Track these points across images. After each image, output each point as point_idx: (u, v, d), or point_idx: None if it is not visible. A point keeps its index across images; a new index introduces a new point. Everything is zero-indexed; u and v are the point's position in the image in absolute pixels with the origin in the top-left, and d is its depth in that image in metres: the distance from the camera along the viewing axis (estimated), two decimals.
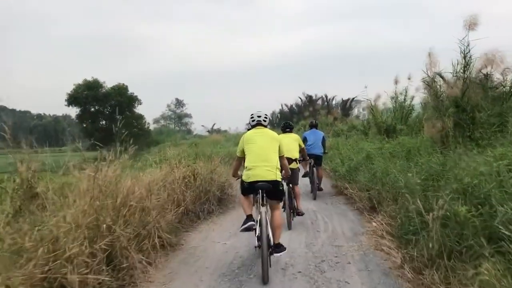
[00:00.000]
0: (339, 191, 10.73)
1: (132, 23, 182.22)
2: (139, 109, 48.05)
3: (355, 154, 12.13)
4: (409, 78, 14.58)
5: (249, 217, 4.95)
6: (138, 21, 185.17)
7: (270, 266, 4.69)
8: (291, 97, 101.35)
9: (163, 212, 6.22)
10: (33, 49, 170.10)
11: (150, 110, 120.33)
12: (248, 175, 5.01)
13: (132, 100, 46.57)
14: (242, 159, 5.43)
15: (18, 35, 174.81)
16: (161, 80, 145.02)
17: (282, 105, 53.39)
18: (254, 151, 5.12)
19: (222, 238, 6.67)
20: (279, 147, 5.26)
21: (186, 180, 8.09)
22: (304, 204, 8.62)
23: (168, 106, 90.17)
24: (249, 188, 5.06)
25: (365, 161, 10.30)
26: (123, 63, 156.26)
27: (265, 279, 4.56)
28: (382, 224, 6.49)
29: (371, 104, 15.65)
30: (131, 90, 47.44)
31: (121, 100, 44.64)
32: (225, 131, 61.29)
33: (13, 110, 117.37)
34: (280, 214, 5.32)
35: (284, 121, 8.75)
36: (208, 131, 59.31)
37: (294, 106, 51.53)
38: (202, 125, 67.39)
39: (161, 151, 12.40)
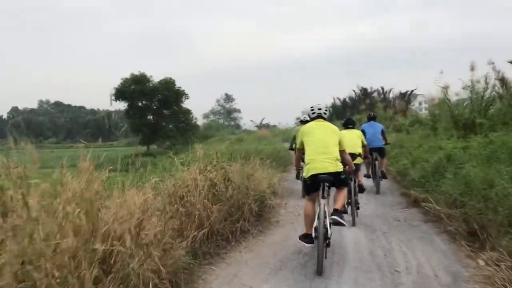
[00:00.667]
0: (412, 202, 8.40)
1: (182, 19, 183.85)
2: (186, 104, 46.79)
3: (428, 154, 9.77)
4: (492, 63, 12.21)
5: (309, 238, 4.83)
6: (188, 17, 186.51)
7: (325, 258, 4.70)
8: (343, 91, 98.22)
9: (166, 246, 4.16)
10: (88, 46, 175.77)
11: (200, 105, 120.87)
12: (308, 170, 4.94)
13: (179, 95, 45.19)
14: (302, 150, 5.32)
15: (73, 32, 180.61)
16: (211, 76, 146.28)
17: (334, 99, 50.20)
18: (313, 143, 5.04)
19: (257, 279, 4.59)
20: (339, 141, 5.12)
21: (215, 190, 6.01)
22: (370, 217, 7.46)
23: (218, 101, 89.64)
24: (311, 184, 4.92)
25: (446, 164, 8.01)
26: (174, 59, 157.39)
27: (319, 270, 4.53)
28: (498, 265, 4.27)
29: (445, 93, 13.08)
30: (180, 84, 46.57)
31: (168, 95, 43.52)
32: (274, 126, 60.49)
33: (69, 106, 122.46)
34: (345, 192, 5.23)
35: (346, 117, 8.42)
36: (257, 126, 59.39)
37: (347, 99, 49.01)
38: (251, 120, 67.56)
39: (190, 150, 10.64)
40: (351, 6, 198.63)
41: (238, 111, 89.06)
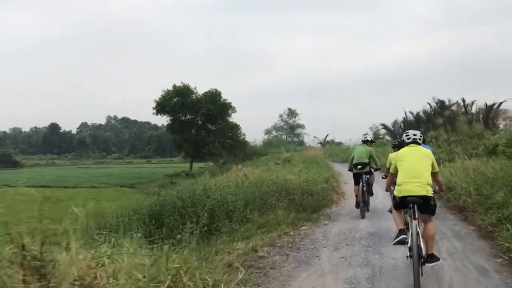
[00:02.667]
0: None
1: (258, 38, 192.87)
2: (234, 118, 43.92)
3: None
4: None
5: (402, 231, 5.33)
6: (264, 36, 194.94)
7: (421, 275, 4.90)
8: (415, 104, 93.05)
9: None
10: (164, 65, 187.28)
11: (264, 121, 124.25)
12: (400, 191, 5.33)
13: (225, 108, 42.09)
14: (394, 175, 5.81)
15: (148, 52, 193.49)
16: (277, 92, 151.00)
17: (405, 113, 44.61)
18: (406, 168, 5.40)
19: None
20: (432, 164, 5.46)
21: None
22: None
23: (281, 116, 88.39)
24: (400, 203, 5.40)
25: None
26: (249, 76, 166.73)
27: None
28: None
29: None
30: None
31: (211, 108, 40.79)
32: (340, 143, 59.22)
33: (135, 121, 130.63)
34: (433, 226, 5.38)
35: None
36: (320, 143, 58.37)
37: (421, 113, 43.04)
38: (314, 137, 65.56)
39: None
40: (426, 18, 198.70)
41: (302, 126, 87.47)
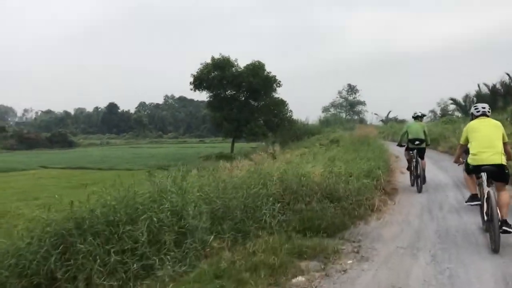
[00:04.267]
0: None
1: (314, 13, 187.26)
2: (280, 93, 39.36)
3: None
4: None
5: (475, 196, 5.94)
6: (322, 11, 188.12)
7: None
8: (490, 77, 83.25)
9: None
10: (221, 43, 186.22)
11: (323, 100, 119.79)
12: (474, 159, 5.65)
13: (269, 82, 37.43)
14: (464, 146, 6.15)
15: (212, 31, 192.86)
16: (339, 69, 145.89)
17: (479, 86, 39.16)
18: (479, 139, 5.69)
19: None
20: (502, 134, 5.72)
21: None
22: None
23: (339, 92, 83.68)
24: (474, 170, 5.75)
25: None
26: (307, 54, 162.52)
27: (496, 248, 5.10)
28: None
29: None
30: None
31: (253, 81, 36.12)
32: (403, 120, 50.90)
33: (191, 100, 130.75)
34: (507, 194, 5.55)
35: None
36: (382, 120, 54.34)
37: (498, 85, 37.47)
38: (375, 114, 61.66)
39: None
40: None
41: (363, 103, 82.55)
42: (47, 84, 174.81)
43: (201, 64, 36.83)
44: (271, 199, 6.32)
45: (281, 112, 38.61)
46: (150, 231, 5.24)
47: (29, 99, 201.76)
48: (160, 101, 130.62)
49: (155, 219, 5.28)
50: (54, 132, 73.08)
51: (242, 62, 37.29)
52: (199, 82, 36.76)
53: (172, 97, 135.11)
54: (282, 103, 38.76)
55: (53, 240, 5.17)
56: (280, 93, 38.95)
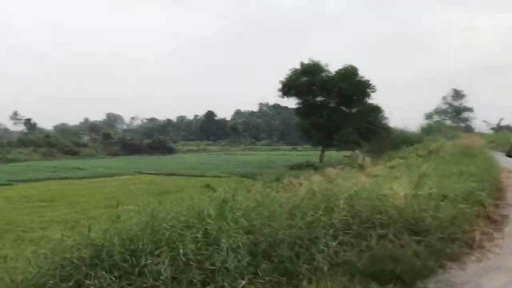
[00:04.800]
0: None
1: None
2: (374, 99, 36.38)
3: None
4: None
5: None
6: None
7: None
8: None
9: None
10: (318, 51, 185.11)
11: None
12: None
13: (363, 87, 34.78)
14: None
15: (306, 39, 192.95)
16: (440, 75, 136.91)
17: None
18: None
19: None
20: None
21: None
22: None
23: (444, 98, 77.34)
24: None
25: None
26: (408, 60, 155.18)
27: None
28: None
29: None
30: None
31: (344, 87, 33.79)
32: None
33: (285, 108, 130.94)
34: None
35: None
36: (493, 129, 51.23)
37: None
38: (484, 121, 57.33)
39: None
40: None
41: (470, 110, 75.48)
42: (152, 94, 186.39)
43: (289, 69, 35.56)
44: (331, 230, 5.01)
45: (376, 119, 35.76)
46: (176, 265, 4.30)
47: (136, 108, 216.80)
48: (255, 108, 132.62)
49: (181, 251, 4.31)
50: (154, 139, 77.09)
51: (333, 67, 35.62)
52: (287, 88, 35.42)
53: (267, 104, 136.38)
54: (376, 109, 35.96)
55: (66, 271, 4.43)
56: (374, 98, 36.26)
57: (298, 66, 35.13)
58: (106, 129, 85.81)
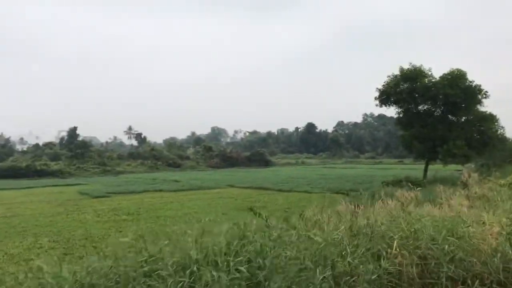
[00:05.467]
0: None
1: None
2: (487, 107, 31.92)
3: None
4: None
5: None
6: None
7: None
8: None
9: None
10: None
11: None
12: None
13: (473, 93, 30.59)
14: None
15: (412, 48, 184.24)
16: None
17: None
18: None
19: None
20: None
21: None
22: None
23: None
24: None
25: None
26: None
27: None
28: None
29: None
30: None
31: (451, 93, 29.93)
32: None
33: (391, 118, 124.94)
34: None
35: None
36: None
37: None
38: None
39: None
40: None
41: None
42: (255, 107, 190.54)
43: (388, 76, 32.46)
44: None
45: (489, 128, 31.17)
46: None
47: (239, 121, 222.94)
48: (359, 119, 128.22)
49: None
50: (253, 152, 77.61)
51: (437, 73, 31.99)
52: (386, 96, 32.38)
53: (371, 115, 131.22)
54: (490, 118, 31.32)
55: None
56: (488, 106, 31.76)
57: (397, 72, 32.08)
58: (207, 142, 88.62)
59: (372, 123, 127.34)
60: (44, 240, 14.06)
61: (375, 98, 32.75)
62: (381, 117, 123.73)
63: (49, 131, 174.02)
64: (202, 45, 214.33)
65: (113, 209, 22.45)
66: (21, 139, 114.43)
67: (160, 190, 33.11)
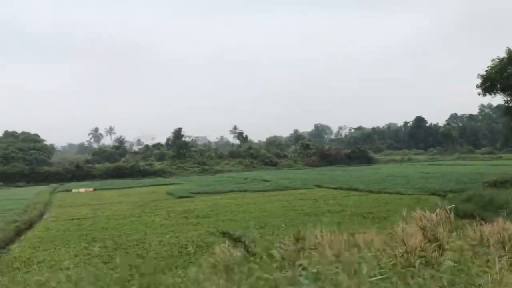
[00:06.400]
0: None
1: None
2: None
3: None
4: None
5: None
6: None
7: None
8: None
9: None
10: None
11: None
12: None
13: None
14: None
15: None
16: None
17: None
18: None
19: None
20: None
21: None
22: None
23: None
24: None
25: None
26: None
27: None
28: None
29: None
30: None
31: None
32: None
33: None
34: None
35: None
36: None
37: None
38: None
39: None
40: None
41: None
42: (361, 102, 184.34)
43: (492, 60, 28.00)
44: None
45: None
46: None
47: (344, 117, 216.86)
48: (475, 111, 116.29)
49: None
50: (353, 149, 74.26)
51: None
52: (489, 83, 28.26)
53: (489, 106, 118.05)
54: None
55: None
56: None
57: (503, 55, 27.41)
58: (307, 140, 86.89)
59: (490, 114, 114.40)
60: (96, 246, 13.90)
61: (477, 86, 28.67)
62: (501, 107, 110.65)
63: (164, 132, 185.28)
64: (305, 41, 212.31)
65: (186, 211, 22.23)
66: (138, 140, 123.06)
67: (245, 191, 32.58)
